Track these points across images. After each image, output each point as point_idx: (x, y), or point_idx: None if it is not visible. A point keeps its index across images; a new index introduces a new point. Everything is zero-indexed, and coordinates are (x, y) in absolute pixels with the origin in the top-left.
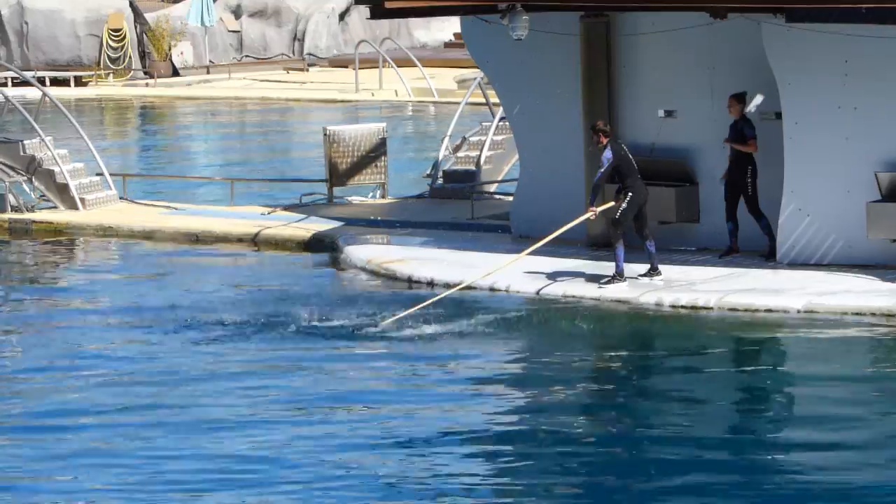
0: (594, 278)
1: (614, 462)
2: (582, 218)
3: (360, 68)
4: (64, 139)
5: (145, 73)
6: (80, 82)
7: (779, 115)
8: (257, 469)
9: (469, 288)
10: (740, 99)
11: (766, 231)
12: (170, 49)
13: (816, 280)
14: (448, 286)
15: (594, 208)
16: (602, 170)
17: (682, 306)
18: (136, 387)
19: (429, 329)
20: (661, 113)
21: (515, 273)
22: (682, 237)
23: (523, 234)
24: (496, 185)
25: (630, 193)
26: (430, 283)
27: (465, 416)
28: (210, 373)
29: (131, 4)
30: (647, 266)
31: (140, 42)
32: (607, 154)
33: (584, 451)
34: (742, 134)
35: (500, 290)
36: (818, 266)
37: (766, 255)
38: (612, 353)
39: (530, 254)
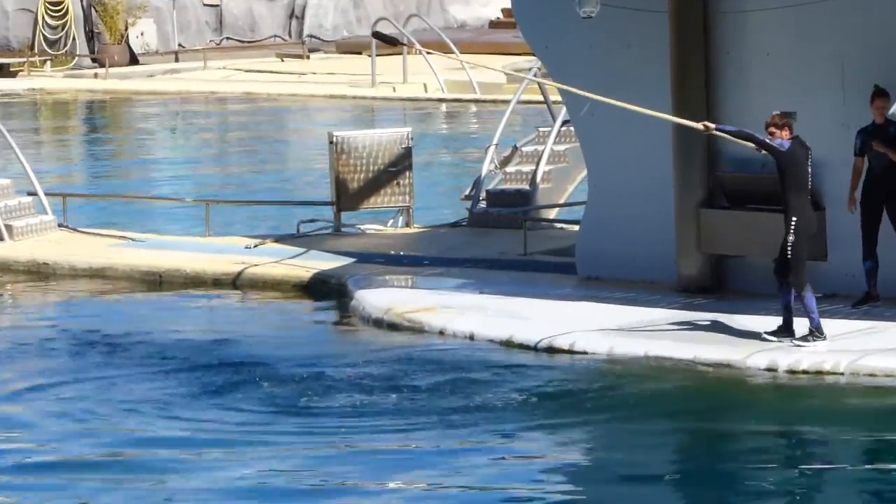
0: (685, 333)
1: None
2: (690, 123)
3: (377, 55)
4: None
5: (94, 60)
6: (7, 72)
7: None
8: None
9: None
10: (886, 96)
11: None
12: (126, 29)
13: None
14: (492, 342)
15: (711, 125)
16: (768, 140)
17: (804, 371)
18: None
19: (462, 400)
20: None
21: (581, 327)
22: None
23: (592, 276)
24: (557, 209)
25: (794, 218)
26: (470, 338)
27: None
28: (176, 468)
29: None
30: (781, 321)
31: (87, 20)
32: (783, 141)
33: None
34: (895, 140)
35: (560, 350)
36: None
37: None
38: (710, 435)
39: None
